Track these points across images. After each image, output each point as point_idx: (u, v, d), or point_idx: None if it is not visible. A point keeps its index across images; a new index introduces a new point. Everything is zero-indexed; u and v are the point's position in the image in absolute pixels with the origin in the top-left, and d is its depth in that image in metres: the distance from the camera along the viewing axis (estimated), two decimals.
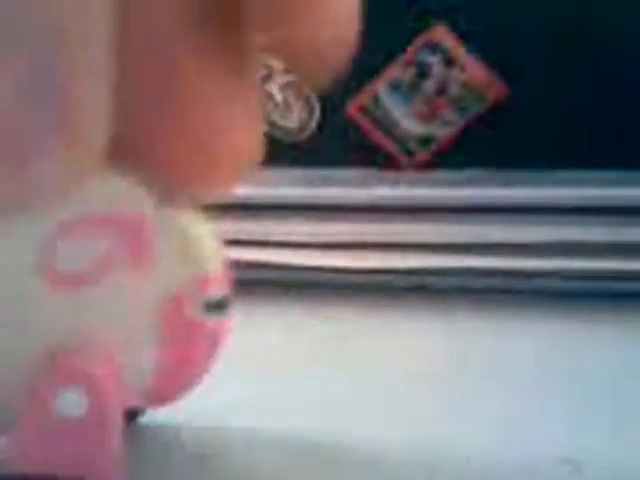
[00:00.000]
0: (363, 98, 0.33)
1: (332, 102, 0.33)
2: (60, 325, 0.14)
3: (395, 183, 0.30)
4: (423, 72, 0.33)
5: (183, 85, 0.12)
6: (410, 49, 0.33)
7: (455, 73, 0.32)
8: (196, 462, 0.16)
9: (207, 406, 0.17)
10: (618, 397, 0.20)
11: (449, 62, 0.32)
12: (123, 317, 0.14)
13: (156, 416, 0.17)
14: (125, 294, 0.14)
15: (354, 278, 0.27)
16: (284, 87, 0.34)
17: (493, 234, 0.28)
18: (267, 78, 0.34)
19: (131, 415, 0.16)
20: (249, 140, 0.13)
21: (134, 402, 0.15)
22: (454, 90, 0.32)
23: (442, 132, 0.32)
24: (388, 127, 0.33)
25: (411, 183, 0.30)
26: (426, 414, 0.19)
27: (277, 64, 0.34)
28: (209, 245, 0.15)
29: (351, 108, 0.33)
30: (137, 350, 0.15)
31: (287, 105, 0.33)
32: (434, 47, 0.33)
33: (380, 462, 0.16)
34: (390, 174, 0.31)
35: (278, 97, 0.34)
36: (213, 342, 0.15)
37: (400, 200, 0.29)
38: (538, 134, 0.31)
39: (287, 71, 0.33)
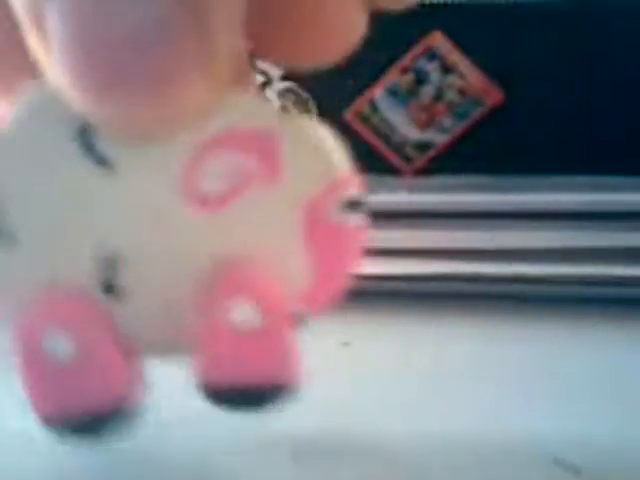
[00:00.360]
0: (361, 104, 0.33)
1: (330, 108, 0.33)
2: (213, 246, 0.14)
3: (392, 189, 0.30)
4: (421, 78, 0.33)
5: None
6: (408, 56, 0.33)
7: (452, 79, 0.32)
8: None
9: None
10: (617, 401, 0.20)
11: (446, 69, 0.32)
12: (267, 230, 0.14)
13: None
14: (265, 207, 0.14)
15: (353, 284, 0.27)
16: (282, 93, 0.34)
17: (490, 240, 0.28)
18: (265, 85, 0.34)
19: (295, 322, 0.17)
20: (353, 17, 0.14)
21: (295, 309, 0.15)
22: (451, 96, 0.32)
23: (440, 138, 0.32)
24: (386, 133, 0.33)
25: (409, 189, 0.30)
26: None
27: (275, 71, 0.34)
28: (336, 148, 0.15)
29: (349, 114, 0.33)
30: (286, 259, 0.15)
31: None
32: (432, 54, 0.33)
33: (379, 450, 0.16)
34: (388, 180, 0.31)
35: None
36: (355, 241, 0.15)
37: (397, 206, 0.29)
38: (535, 140, 0.31)
39: (285, 78, 0.33)
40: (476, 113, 0.32)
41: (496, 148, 0.32)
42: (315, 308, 0.15)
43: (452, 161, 0.32)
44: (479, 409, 0.19)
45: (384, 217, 0.29)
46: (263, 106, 0.14)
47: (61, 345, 0.14)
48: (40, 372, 0.14)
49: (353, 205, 0.15)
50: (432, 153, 0.32)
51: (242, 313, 0.14)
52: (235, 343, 0.14)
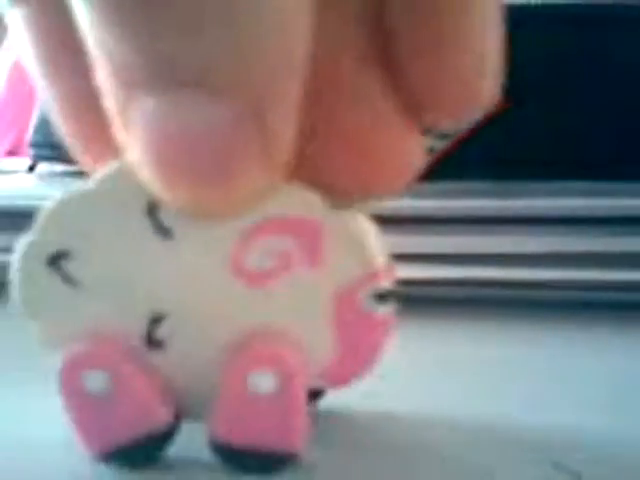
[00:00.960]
0: None
1: None
2: (249, 316, 0.16)
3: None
4: None
5: (344, 87, 0.14)
6: None
7: None
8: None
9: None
10: (618, 405, 0.20)
11: None
12: (302, 309, 0.16)
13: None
14: (302, 289, 0.16)
15: None
16: None
17: (491, 245, 0.28)
18: None
19: (313, 396, 0.19)
20: (407, 142, 0.15)
21: (315, 384, 0.17)
22: None
23: (439, 144, 0.32)
24: None
25: (409, 194, 0.30)
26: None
27: None
28: (375, 242, 0.16)
29: None
30: (315, 338, 0.16)
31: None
32: None
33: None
34: None
35: None
36: (382, 331, 0.16)
37: (397, 211, 0.29)
38: (536, 145, 0.31)
39: None
40: (476, 119, 0.32)
41: (498, 154, 0.31)
42: (335, 384, 0.17)
43: (452, 167, 0.32)
44: (477, 413, 0.19)
45: (386, 222, 0.29)
46: (310, 197, 0.15)
47: (98, 381, 0.16)
48: (80, 406, 0.16)
49: (383, 296, 0.16)
50: (432, 159, 0.32)
51: (261, 380, 0.16)
52: (250, 407, 0.16)
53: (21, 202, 0.32)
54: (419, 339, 0.25)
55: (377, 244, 0.16)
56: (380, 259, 0.16)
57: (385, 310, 0.16)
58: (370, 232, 0.16)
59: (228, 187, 0.13)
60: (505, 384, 0.22)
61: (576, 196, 0.28)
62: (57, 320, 0.16)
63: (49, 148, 0.44)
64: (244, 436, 0.16)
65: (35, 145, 0.46)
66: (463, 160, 0.32)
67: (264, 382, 0.16)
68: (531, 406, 0.20)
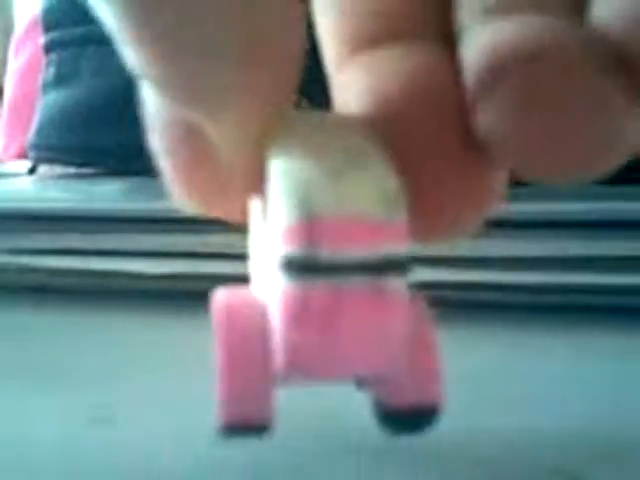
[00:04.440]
0: None
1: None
2: None
3: None
4: None
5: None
6: None
7: None
8: None
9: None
10: (619, 410, 0.20)
11: None
12: None
13: None
14: None
15: None
16: None
17: (494, 249, 0.28)
18: None
19: None
20: (472, 214, 0.14)
21: None
22: None
23: None
24: None
25: None
26: None
27: None
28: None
29: None
30: None
31: None
32: None
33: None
34: None
35: None
36: None
37: None
38: None
39: None
40: None
41: None
42: None
43: None
44: (476, 417, 0.19)
45: None
46: None
47: None
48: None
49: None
50: None
51: None
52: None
53: (21, 205, 0.32)
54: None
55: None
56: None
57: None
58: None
59: None
60: (505, 388, 0.22)
61: (584, 200, 0.28)
62: None
63: (49, 150, 0.44)
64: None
65: (35, 148, 0.46)
66: None
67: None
68: (532, 410, 0.20)
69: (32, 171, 0.45)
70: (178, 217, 0.28)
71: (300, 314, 0.12)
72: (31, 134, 0.46)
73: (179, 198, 0.14)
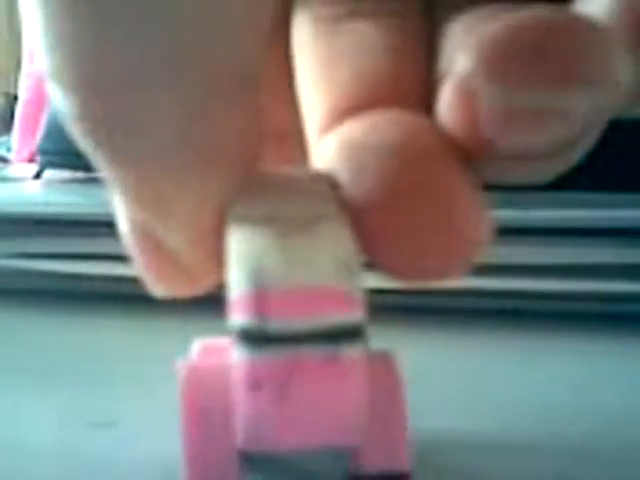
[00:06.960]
0: None
1: None
2: None
3: None
4: None
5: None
6: None
7: None
8: None
9: None
10: (621, 414, 0.20)
11: None
12: None
13: None
14: None
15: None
16: None
17: (498, 256, 0.28)
18: None
19: None
20: (474, 234, 0.13)
21: None
22: None
23: None
24: None
25: None
26: None
27: None
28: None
29: None
30: None
31: None
32: None
33: None
34: None
35: None
36: None
37: None
38: None
39: None
40: None
41: None
42: None
43: None
44: (476, 422, 0.19)
45: None
46: None
47: None
48: None
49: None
50: None
51: None
52: None
53: (26, 209, 0.32)
54: (426, 349, 0.25)
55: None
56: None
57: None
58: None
59: None
60: (507, 394, 0.21)
61: (588, 207, 0.28)
62: None
63: (57, 155, 0.44)
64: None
65: (43, 152, 0.46)
66: None
67: None
68: (535, 416, 0.20)
69: (38, 176, 0.46)
70: None
71: (254, 385, 0.12)
72: (40, 139, 0.47)
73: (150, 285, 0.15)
